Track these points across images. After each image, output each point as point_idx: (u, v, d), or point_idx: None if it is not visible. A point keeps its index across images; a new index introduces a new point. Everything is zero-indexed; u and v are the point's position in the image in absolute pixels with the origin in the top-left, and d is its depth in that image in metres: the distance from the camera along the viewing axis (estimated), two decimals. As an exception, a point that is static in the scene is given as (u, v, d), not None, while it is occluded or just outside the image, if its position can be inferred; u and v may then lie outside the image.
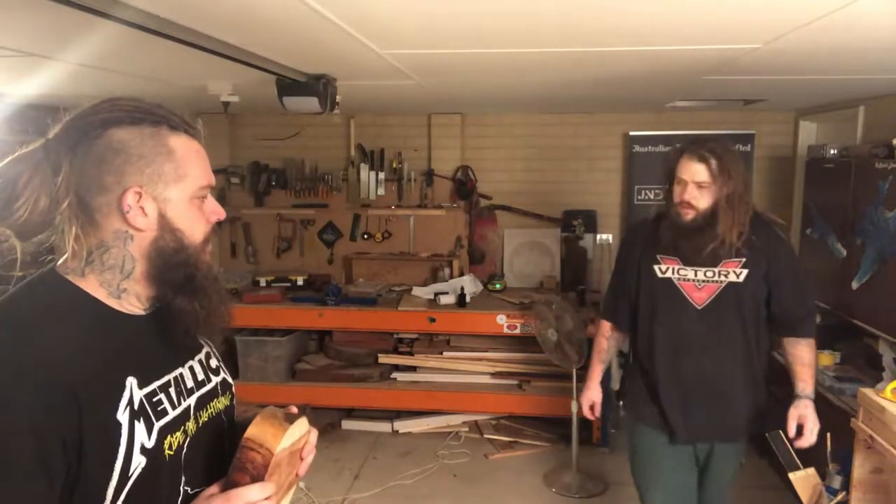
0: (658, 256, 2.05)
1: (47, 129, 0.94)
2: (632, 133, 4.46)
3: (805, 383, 2.07)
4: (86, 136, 0.91)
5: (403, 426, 4.18)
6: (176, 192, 0.95)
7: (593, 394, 2.41)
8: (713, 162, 1.90)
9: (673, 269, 2.03)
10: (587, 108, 4.43)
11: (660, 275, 2.05)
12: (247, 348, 4.20)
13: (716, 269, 1.98)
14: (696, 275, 2.01)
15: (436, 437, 4.11)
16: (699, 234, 1.93)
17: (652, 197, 4.43)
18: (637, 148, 4.43)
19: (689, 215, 1.94)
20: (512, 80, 2.92)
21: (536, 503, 3.39)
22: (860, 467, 2.32)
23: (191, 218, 0.98)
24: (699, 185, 1.91)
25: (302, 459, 1.09)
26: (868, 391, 2.27)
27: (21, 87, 2.99)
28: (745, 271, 1.98)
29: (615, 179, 4.68)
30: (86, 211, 0.92)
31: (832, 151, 3.41)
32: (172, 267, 0.96)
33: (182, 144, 0.97)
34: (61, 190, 0.90)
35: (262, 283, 4.45)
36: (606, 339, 2.36)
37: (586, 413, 2.43)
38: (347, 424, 4.21)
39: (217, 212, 1.03)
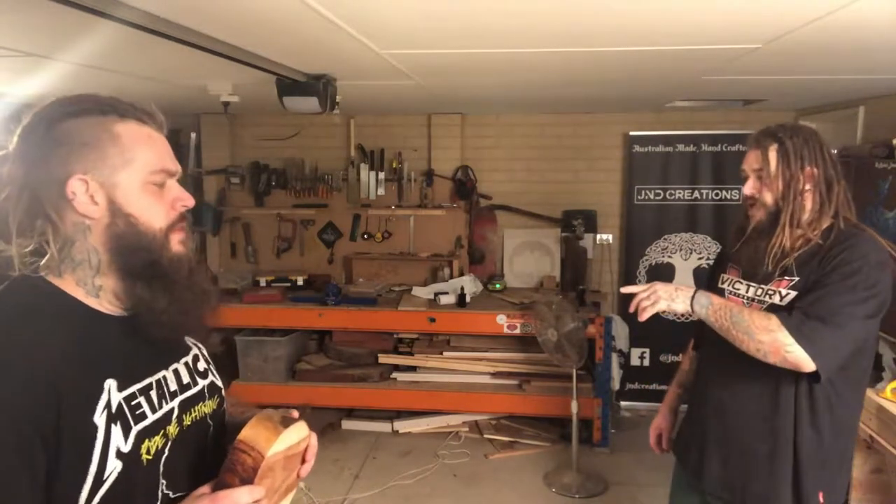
0: (729, 263, 1.75)
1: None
2: (632, 133, 4.46)
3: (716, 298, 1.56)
4: (34, 133, 0.93)
5: (403, 426, 4.18)
6: (124, 177, 0.94)
7: (661, 420, 2.00)
8: (773, 146, 1.56)
9: (730, 281, 1.71)
10: (587, 108, 4.43)
11: (719, 285, 1.75)
12: (247, 348, 4.20)
13: (765, 288, 1.60)
14: (747, 290, 1.65)
15: (436, 437, 4.11)
16: (758, 240, 1.60)
17: (652, 197, 4.43)
18: (637, 148, 4.42)
19: (756, 216, 1.61)
20: (512, 80, 2.92)
21: (536, 503, 3.39)
22: (860, 467, 2.32)
23: (144, 203, 0.96)
24: (758, 175, 1.59)
25: (304, 462, 1.08)
26: (868, 391, 2.27)
27: (21, 87, 2.99)
28: (792, 294, 1.54)
29: (615, 179, 4.68)
30: (42, 208, 0.92)
31: (832, 151, 3.41)
32: (130, 252, 0.94)
33: (129, 129, 0.96)
34: (12, 189, 0.92)
35: (262, 283, 4.45)
36: (689, 357, 1.98)
37: (652, 444, 2.01)
38: (347, 424, 4.21)
39: (182, 198, 1.00)
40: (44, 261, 0.94)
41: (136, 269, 0.95)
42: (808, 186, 1.55)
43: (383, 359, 4.28)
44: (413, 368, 4.26)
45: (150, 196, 0.96)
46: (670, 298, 1.55)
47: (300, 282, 4.52)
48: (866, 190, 3.05)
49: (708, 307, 1.53)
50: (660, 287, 1.57)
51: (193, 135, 4.57)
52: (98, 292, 0.95)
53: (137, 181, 0.95)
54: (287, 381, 4.21)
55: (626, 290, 1.64)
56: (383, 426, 4.18)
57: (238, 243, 4.88)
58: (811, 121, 4.21)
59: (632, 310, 1.60)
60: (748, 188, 1.62)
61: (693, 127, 4.45)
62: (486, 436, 4.10)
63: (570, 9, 1.64)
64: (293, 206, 4.78)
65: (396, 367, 4.28)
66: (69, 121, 0.93)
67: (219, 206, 4.77)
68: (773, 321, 1.44)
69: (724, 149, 4.29)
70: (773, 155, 1.56)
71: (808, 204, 1.56)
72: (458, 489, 3.51)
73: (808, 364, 1.42)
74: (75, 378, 0.87)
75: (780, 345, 1.42)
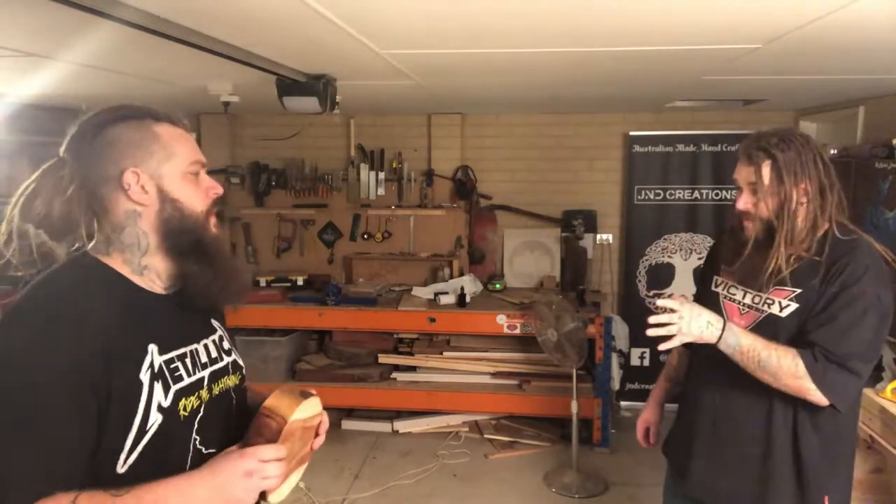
0: (722, 266, 1.72)
1: (57, 133, 1.09)
2: (632, 133, 4.46)
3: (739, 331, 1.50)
4: (85, 139, 1.07)
5: (403, 426, 4.18)
6: (168, 168, 1.09)
7: (648, 414, 2.00)
8: (766, 162, 1.52)
9: (725, 286, 1.69)
10: (587, 108, 4.43)
11: (713, 288, 1.73)
12: (247, 348, 4.19)
13: (763, 295, 1.58)
14: (743, 297, 1.63)
15: (436, 437, 4.11)
16: (757, 253, 1.57)
17: (652, 197, 4.43)
18: (637, 148, 4.42)
19: (749, 228, 1.58)
20: (512, 80, 2.92)
21: (536, 503, 3.39)
22: (860, 467, 2.32)
23: (187, 190, 1.11)
24: (752, 189, 1.56)
25: (318, 435, 1.22)
26: (868, 391, 2.27)
27: (21, 87, 2.99)
28: (793, 306, 1.52)
29: (615, 179, 4.67)
30: (98, 201, 1.07)
31: (832, 151, 3.41)
32: (179, 233, 1.09)
33: (165, 130, 1.11)
34: (73, 188, 1.05)
35: (262, 283, 4.44)
36: (678, 352, 1.97)
37: (640, 438, 2.02)
38: (347, 424, 4.21)
39: (214, 187, 1.16)
40: (91, 244, 1.09)
41: (184, 247, 1.10)
42: (802, 200, 1.52)
43: (383, 359, 4.29)
44: (413, 368, 4.26)
45: (189, 184, 1.11)
46: (698, 335, 1.48)
47: (300, 282, 4.52)
48: (866, 190, 3.05)
49: (736, 349, 1.48)
50: (686, 317, 1.47)
51: (193, 135, 4.56)
52: (143, 271, 1.10)
53: (179, 172, 1.10)
54: (287, 381, 4.21)
55: (653, 320, 1.50)
56: (383, 426, 4.18)
57: (238, 243, 4.88)
58: (811, 121, 4.21)
59: (651, 332, 1.49)
60: (742, 203, 1.57)
61: (693, 127, 4.45)
62: (486, 436, 4.10)
63: (570, 9, 1.64)
64: (293, 206, 4.78)
65: (396, 367, 4.28)
66: (114, 126, 1.07)
67: (219, 206, 4.76)
68: (800, 367, 1.44)
69: (724, 149, 4.29)
70: (766, 171, 1.52)
71: (801, 218, 1.53)
72: (458, 489, 3.51)
73: (825, 403, 1.45)
74: (124, 341, 1.01)
75: (804, 391, 1.45)
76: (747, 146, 1.58)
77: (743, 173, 1.58)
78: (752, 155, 1.55)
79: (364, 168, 4.66)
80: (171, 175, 1.09)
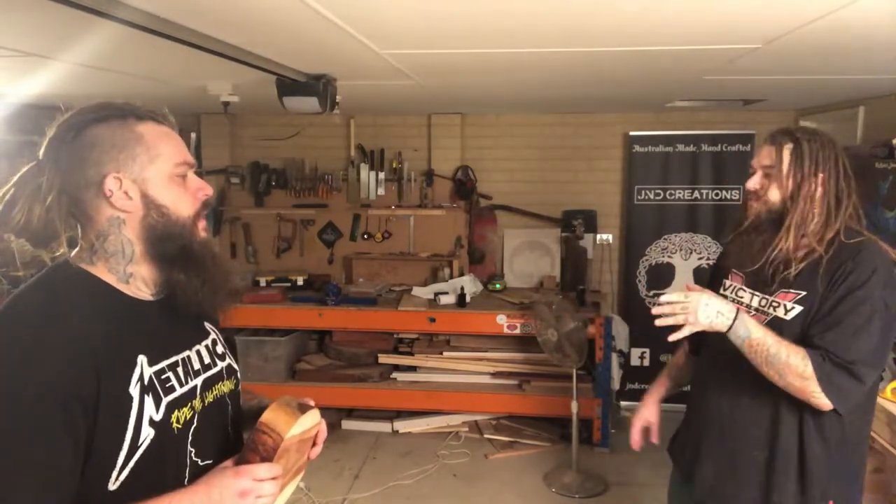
0: (733, 269, 1.69)
1: (40, 144, 1.04)
2: (632, 133, 4.46)
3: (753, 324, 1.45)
4: (64, 142, 1.01)
5: (403, 426, 4.18)
6: (152, 171, 1.03)
7: (646, 412, 1.90)
8: (788, 145, 1.50)
9: (734, 288, 1.66)
10: (587, 108, 4.43)
11: (721, 291, 1.69)
12: (247, 348, 4.20)
13: (769, 298, 1.56)
14: (751, 299, 1.60)
15: (436, 437, 4.11)
16: (755, 233, 1.55)
17: (652, 197, 4.43)
18: (637, 148, 4.42)
19: (753, 208, 1.56)
20: (512, 80, 2.92)
21: (536, 503, 3.39)
22: (860, 467, 2.32)
23: (173, 194, 1.05)
24: (766, 172, 1.53)
25: (315, 445, 1.20)
26: (868, 391, 2.27)
27: (21, 87, 2.99)
28: (798, 309, 1.50)
29: (615, 179, 4.67)
30: (80, 207, 1.02)
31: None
32: (165, 240, 1.04)
33: (150, 129, 1.05)
34: (52, 195, 1.00)
35: (262, 283, 4.44)
36: (684, 353, 1.92)
37: (636, 437, 1.91)
38: (347, 424, 4.21)
39: (203, 188, 1.09)
40: (74, 252, 1.04)
41: (170, 255, 1.04)
42: (818, 192, 1.50)
43: (383, 359, 4.28)
44: (413, 368, 4.26)
45: (177, 187, 1.06)
46: (708, 323, 1.43)
47: (300, 282, 4.52)
48: (866, 190, 3.05)
49: (746, 340, 1.43)
50: (698, 305, 1.42)
51: (193, 135, 4.57)
52: (129, 279, 1.05)
53: (165, 174, 1.04)
54: (287, 381, 4.21)
55: (664, 299, 1.45)
56: (383, 426, 4.18)
57: (238, 243, 4.88)
58: (811, 121, 4.21)
59: (661, 323, 1.45)
60: (752, 183, 1.56)
61: (693, 127, 4.45)
62: (486, 436, 4.10)
63: (570, 9, 1.64)
64: (293, 206, 4.78)
65: (396, 367, 4.28)
66: (94, 127, 1.01)
67: (219, 206, 4.77)
68: (808, 368, 1.40)
69: (724, 149, 4.28)
70: (786, 154, 1.51)
71: (816, 213, 1.50)
72: (458, 489, 3.51)
73: (828, 407, 1.43)
74: (113, 353, 0.97)
75: (808, 392, 1.42)
76: (773, 132, 1.57)
77: (762, 155, 1.56)
78: (776, 137, 1.54)
79: (364, 168, 4.66)
80: (155, 178, 1.03)
